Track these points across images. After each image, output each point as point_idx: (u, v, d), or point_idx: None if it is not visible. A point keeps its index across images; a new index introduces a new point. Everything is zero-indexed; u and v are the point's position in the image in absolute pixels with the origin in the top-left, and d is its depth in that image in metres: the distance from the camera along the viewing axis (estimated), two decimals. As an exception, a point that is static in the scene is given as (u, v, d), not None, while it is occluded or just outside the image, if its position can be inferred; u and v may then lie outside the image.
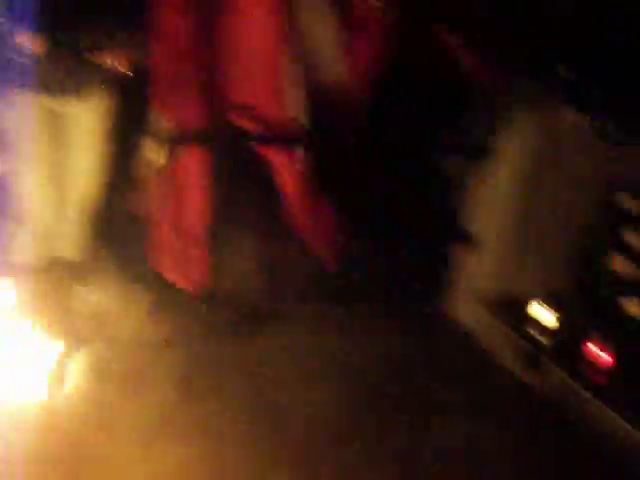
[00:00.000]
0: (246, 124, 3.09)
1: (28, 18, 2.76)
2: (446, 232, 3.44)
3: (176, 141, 3.06)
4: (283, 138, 3.16)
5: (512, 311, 3.30)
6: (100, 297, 3.24)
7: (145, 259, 3.22)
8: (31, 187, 3.14)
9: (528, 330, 3.22)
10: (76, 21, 2.82)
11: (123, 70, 2.92)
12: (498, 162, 3.30)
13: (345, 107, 3.20)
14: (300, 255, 3.28)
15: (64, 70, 2.92)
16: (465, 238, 3.39)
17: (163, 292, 3.24)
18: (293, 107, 3.10)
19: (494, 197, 3.33)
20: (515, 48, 3.08)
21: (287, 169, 3.18)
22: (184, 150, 3.08)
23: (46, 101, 3.01)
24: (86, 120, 3.06)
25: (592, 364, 3.01)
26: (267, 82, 3.03)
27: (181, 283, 3.23)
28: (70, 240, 3.24)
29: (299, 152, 3.18)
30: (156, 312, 3.21)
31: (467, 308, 3.43)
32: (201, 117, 3.03)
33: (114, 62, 2.89)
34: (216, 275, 3.25)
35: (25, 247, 3.16)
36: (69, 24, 2.83)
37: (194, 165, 3.09)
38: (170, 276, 3.22)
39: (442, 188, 3.43)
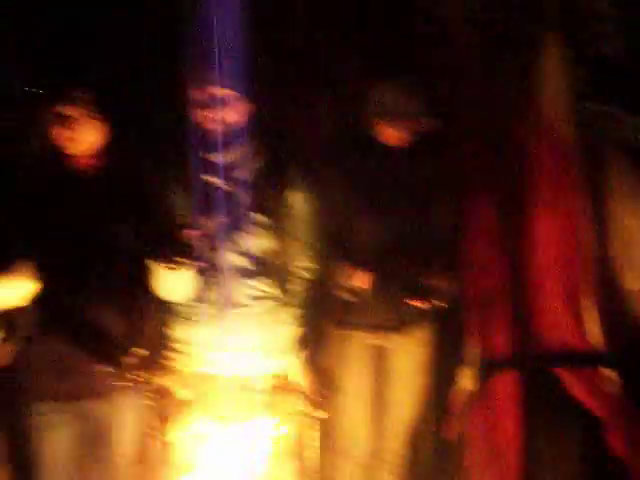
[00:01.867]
0: (548, 346, 3.15)
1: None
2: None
3: (488, 367, 3.20)
4: (584, 359, 3.18)
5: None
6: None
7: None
8: (351, 421, 3.40)
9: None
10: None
11: (440, 302, 3.25)
12: None
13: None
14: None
15: (389, 306, 3.24)
16: None
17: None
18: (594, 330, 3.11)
19: None
20: None
21: (591, 390, 3.17)
22: (496, 375, 3.19)
23: (369, 337, 3.36)
24: (407, 353, 3.31)
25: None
26: (570, 301, 3.09)
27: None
28: (390, 471, 3.43)
29: (604, 372, 3.17)
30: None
31: None
32: (511, 342, 3.13)
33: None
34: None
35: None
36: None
37: (506, 390, 3.15)
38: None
39: None
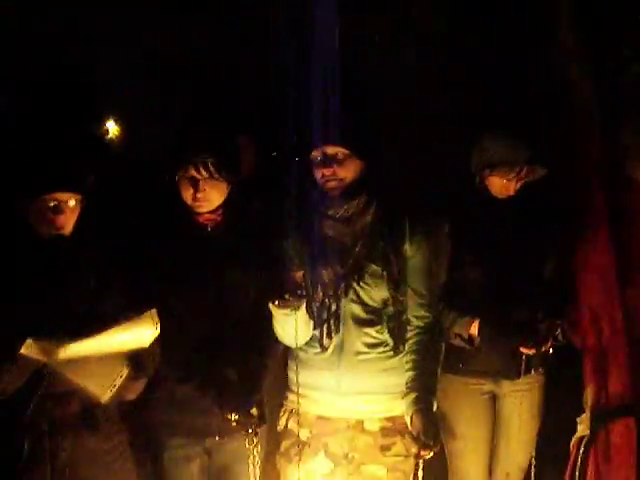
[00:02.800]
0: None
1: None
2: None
3: (605, 413, 3.16)
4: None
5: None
6: None
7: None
8: (465, 466, 3.46)
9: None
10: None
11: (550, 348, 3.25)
12: None
13: None
14: None
15: (501, 352, 3.30)
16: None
17: None
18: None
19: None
20: None
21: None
22: (613, 423, 3.14)
23: (482, 383, 3.40)
24: (519, 399, 3.35)
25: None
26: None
27: None
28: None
29: None
30: None
31: None
32: (629, 388, 3.10)
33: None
34: None
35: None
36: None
37: (623, 438, 3.12)
38: None
39: None
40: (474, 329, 3.24)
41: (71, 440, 2.71)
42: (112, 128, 3.92)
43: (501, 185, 3.31)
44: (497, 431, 3.45)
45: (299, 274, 2.74)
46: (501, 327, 3.21)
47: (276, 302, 2.73)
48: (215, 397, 2.93)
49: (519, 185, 3.31)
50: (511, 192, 3.31)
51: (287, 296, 2.70)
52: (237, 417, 2.84)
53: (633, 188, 3.10)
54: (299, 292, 2.73)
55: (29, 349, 2.53)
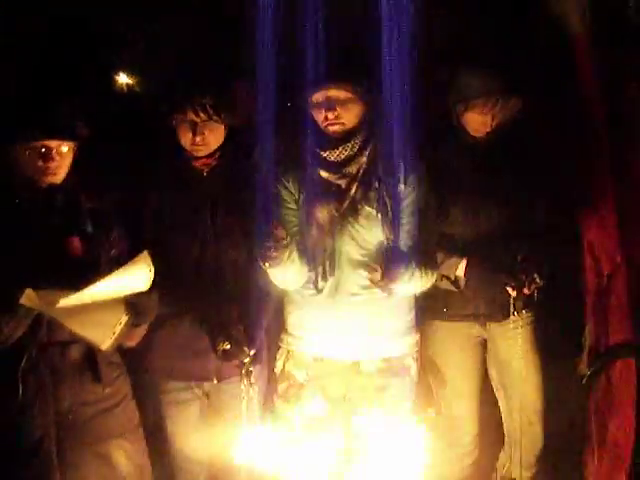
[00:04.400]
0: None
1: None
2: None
3: (605, 354, 3.14)
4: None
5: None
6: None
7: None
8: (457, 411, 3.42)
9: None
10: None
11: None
12: None
13: None
14: None
15: (488, 294, 3.25)
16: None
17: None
18: None
19: None
20: None
21: None
22: (613, 363, 3.13)
23: (470, 326, 3.35)
24: (510, 340, 3.31)
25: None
26: None
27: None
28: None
29: None
30: None
31: None
32: (629, 330, 3.07)
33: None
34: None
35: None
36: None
37: (623, 379, 3.11)
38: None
39: None
40: (461, 270, 3.20)
41: (73, 386, 2.75)
42: (110, 73, 3.88)
43: (478, 121, 3.20)
44: (503, 380, 3.42)
45: (278, 228, 2.71)
46: (487, 268, 3.17)
47: (259, 261, 2.73)
48: (212, 332, 2.96)
49: (495, 122, 3.20)
50: (488, 129, 3.20)
51: (268, 252, 2.69)
52: (229, 346, 2.88)
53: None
54: (275, 246, 2.69)
55: (28, 299, 2.54)
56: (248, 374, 2.92)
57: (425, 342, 3.21)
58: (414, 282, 2.90)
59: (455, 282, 3.22)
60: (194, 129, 2.94)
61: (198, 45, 3.65)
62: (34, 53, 3.43)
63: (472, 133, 3.24)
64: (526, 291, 3.14)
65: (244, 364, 2.91)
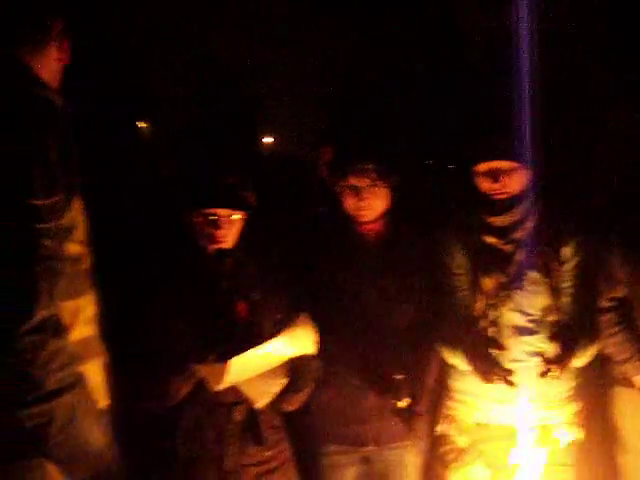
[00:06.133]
0: None
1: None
2: None
3: None
4: None
5: None
6: None
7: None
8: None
9: None
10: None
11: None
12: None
13: None
14: None
15: None
16: None
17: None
18: None
19: None
20: None
21: None
22: None
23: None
24: None
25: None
26: None
27: None
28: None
29: None
30: None
31: None
32: None
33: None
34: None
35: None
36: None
37: None
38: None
39: None
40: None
41: (236, 447, 2.78)
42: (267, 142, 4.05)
43: None
44: None
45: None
46: None
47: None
48: (380, 392, 2.96)
49: None
50: None
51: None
52: (408, 402, 2.88)
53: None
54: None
55: (196, 372, 2.64)
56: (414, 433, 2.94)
57: (601, 408, 3.15)
58: (583, 355, 2.86)
59: None
60: (357, 194, 2.96)
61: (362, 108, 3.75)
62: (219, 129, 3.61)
63: None
64: None
65: (410, 424, 2.92)
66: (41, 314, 1.99)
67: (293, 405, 2.90)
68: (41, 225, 1.99)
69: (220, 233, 2.78)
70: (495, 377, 2.64)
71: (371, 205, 2.98)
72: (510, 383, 2.63)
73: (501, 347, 2.84)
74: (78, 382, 2.11)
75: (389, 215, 3.06)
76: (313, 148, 3.65)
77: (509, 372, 2.63)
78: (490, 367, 2.66)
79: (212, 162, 2.90)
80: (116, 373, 2.32)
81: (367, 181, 2.94)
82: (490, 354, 2.69)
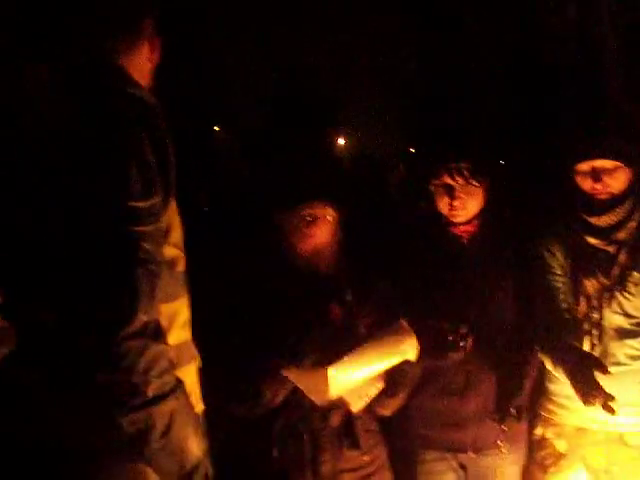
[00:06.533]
0: None
1: None
2: None
3: None
4: None
5: None
6: None
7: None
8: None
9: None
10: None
11: None
12: None
13: None
14: None
15: None
16: None
17: None
18: None
19: None
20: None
21: None
22: None
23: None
24: None
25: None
26: None
27: None
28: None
29: None
30: None
31: None
32: None
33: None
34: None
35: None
36: None
37: None
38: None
39: None
40: None
41: (332, 452, 2.75)
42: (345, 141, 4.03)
43: None
44: None
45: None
46: None
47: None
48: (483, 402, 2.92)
49: None
50: None
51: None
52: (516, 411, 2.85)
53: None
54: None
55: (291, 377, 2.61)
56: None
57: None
58: None
59: None
60: (451, 193, 2.90)
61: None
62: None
63: None
64: None
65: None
66: (142, 319, 1.96)
67: (388, 410, 2.86)
68: (141, 228, 1.96)
69: (312, 232, 2.74)
70: (596, 401, 2.52)
71: (465, 205, 2.91)
72: (610, 410, 2.49)
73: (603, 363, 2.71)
74: (177, 388, 2.07)
75: (483, 216, 2.98)
76: (395, 150, 3.60)
77: (610, 397, 2.49)
78: (591, 389, 2.52)
79: (299, 162, 2.86)
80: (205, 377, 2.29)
81: (461, 180, 2.87)
82: (592, 373, 2.55)
